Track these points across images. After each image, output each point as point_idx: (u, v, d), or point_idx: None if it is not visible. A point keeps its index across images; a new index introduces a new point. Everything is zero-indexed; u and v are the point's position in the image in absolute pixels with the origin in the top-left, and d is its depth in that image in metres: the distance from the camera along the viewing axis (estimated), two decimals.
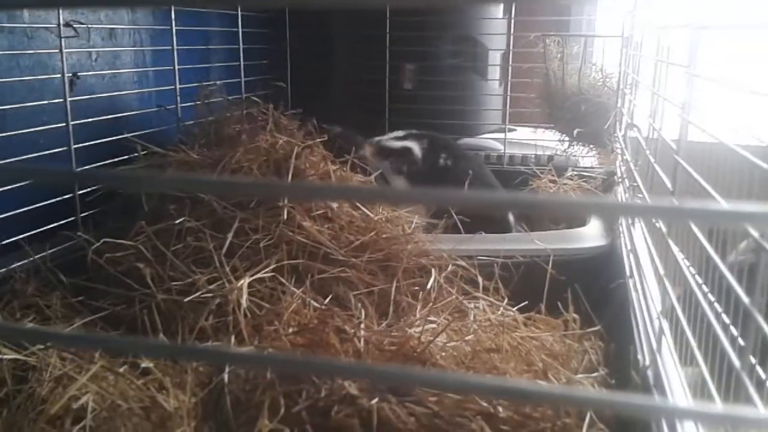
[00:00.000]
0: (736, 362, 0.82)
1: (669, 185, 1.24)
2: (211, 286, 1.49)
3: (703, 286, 1.10)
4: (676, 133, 1.28)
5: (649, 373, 1.17)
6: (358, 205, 1.74)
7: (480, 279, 1.64)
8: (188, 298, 1.46)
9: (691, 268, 1.13)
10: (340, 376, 1.09)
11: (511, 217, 2.24)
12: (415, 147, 2.37)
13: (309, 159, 1.81)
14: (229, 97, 2.30)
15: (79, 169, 1.86)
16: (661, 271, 1.20)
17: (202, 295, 1.47)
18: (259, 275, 1.52)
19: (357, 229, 1.70)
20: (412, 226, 1.79)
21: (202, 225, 1.64)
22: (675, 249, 1.13)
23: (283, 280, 1.54)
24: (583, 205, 0.65)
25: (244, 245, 1.60)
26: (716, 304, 1.08)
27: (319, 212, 1.69)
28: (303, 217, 1.66)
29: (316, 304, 1.47)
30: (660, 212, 0.50)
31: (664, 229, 1.21)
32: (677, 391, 1.07)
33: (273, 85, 2.66)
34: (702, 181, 1.04)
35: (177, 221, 1.64)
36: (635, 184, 1.70)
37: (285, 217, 1.62)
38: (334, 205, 1.70)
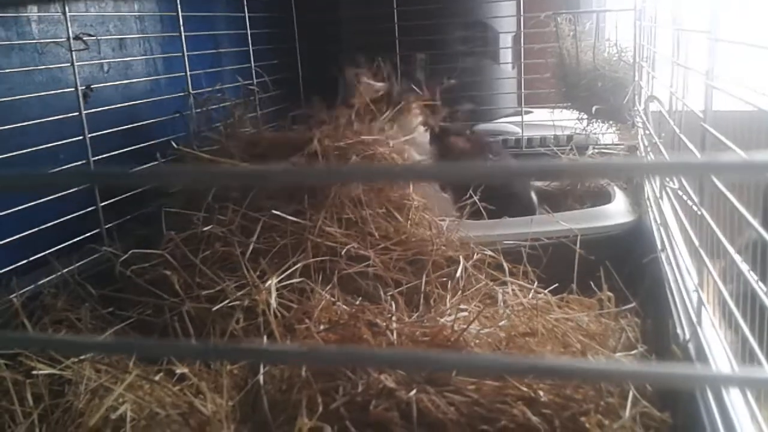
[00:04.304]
0: None
1: (698, 155, 1.21)
2: (240, 293, 1.48)
3: (736, 255, 1.08)
4: (699, 102, 1.26)
5: (691, 346, 1.15)
6: (390, 209, 1.73)
7: (506, 265, 1.62)
8: (216, 307, 1.46)
9: (724, 240, 1.11)
10: (378, 366, 1.08)
11: (534, 198, 2.22)
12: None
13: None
14: (238, 100, 2.30)
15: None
16: (696, 243, 1.18)
17: (231, 303, 1.47)
18: (287, 275, 1.52)
19: (386, 235, 1.70)
20: (444, 226, 1.77)
21: (228, 231, 1.64)
22: (709, 219, 1.10)
23: (310, 283, 1.54)
24: (609, 167, 0.63)
25: (272, 250, 1.60)
26: (751, 273, 1.05)
27: (348, 216, 1.68)
28: (331, 222, 1.65)
29: (344, 306, 1.46)
30: (692, 167, 0.48)
31: (695, 198, 1.19)
32: (721, 361, 1.05)
33: (285, 85, 2.65)
34: (733, 146, 1.01)
35: (205, 228, 1.64)
36: (660, 157, 1.67)
37: (318, 224, 1.62)
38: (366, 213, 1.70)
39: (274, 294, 1.43)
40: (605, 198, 2.14)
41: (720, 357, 1.06)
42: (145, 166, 2.04)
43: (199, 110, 2.21)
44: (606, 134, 2.65)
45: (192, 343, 1.26)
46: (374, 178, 0.81)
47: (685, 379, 0.51)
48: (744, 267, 1.04)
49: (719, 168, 0.48)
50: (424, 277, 1.59)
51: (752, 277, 1.02)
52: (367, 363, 0.91)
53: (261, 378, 1.23)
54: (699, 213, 1.19)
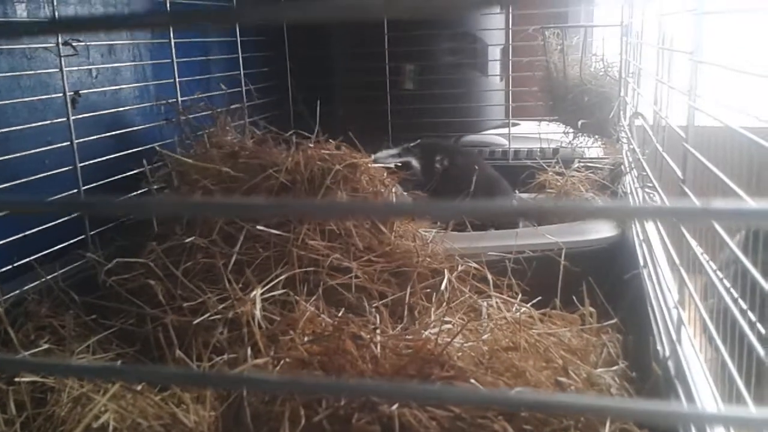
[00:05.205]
0: (761, 350, 0.81)
1: (679, 173, 1.23)
2: (222, 306, 1.48)
3: (717, 272, 1.09)
4: (682, 119, 1.28)
5: (670, 363, 1.17)
6: (377, 223, 1.73)
7: (491, 278, 1.63)
8: (198, 320, 1.46)
9: (706, 257, 1.12)
10: (361, 395, 1.08)
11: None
12: (413, 160, 2.37)
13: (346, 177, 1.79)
14: (221, 108, 2.29)
15: (85, 187, 1.86)
16: (677, 261, 1.19)
17: (213, 315, 1.47)
18: (271, 286, 1.52)
19: (369, 246, 1.70)
20: (429, 238, 1.78)
21: (211, 242, 1.64)
22: (693, 243, 1.11)
23: (292, 294, 1.54)
24: (604, 211, 0.64)
25: (254, 262, 1.60)
26: (732, 290, 1.07)
27: (330, 227, 1.68)
28: (314, 233, 1.65)
29: (327, 318, 1.47)
30: (678, 214, 0.49)
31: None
32: (699, 381, 1.06)
33: (275, 92, 2.65)
34: (714, 168, 1.03)
35: (187, 240, 1.63)
36: (644, 173, 1.69)
37: (301, 236, 1.61)
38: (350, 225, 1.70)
39: (258, 305, 1.43)
40: None
41: (698, 375, 1.07)
42: (134, 176, 2.04)
43: (184, 117, 2.20)
44: (591, 148, 2.68)
45: (177, 369, 1.25)
46: (361, 214, 0.82)
47: (670, 417, 0.52)
48: (725, 284, 1.06)
49: (718, 215, 0.48)
50: (408, 288, 1.60)
51: (730, 296, 1.04)
52: (348, 393, 0.92)
53: (244, 390, 1.23)
54: (680, 229, 1.20)
